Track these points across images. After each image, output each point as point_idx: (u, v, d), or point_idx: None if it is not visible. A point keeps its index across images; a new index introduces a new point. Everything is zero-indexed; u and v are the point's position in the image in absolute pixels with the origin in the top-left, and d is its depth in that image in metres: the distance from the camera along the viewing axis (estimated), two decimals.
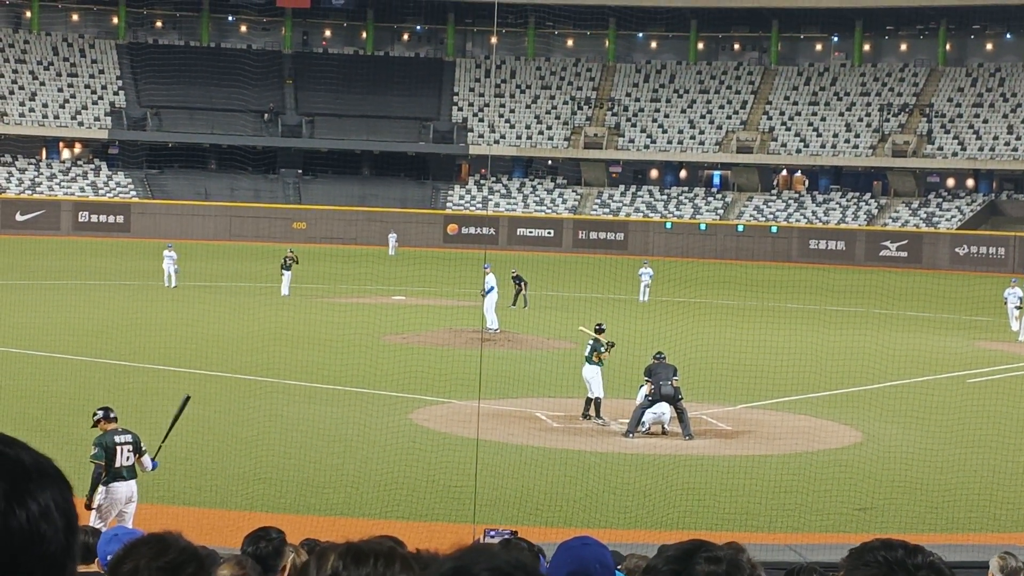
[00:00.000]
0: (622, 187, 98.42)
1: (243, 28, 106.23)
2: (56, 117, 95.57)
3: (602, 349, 28.73)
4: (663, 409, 27.09)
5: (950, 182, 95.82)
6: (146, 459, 17.76)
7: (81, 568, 9.95)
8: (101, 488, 17.34)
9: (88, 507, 17.14)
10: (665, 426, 27.32)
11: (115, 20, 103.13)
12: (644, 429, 27.24)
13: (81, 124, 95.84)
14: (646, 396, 27.00)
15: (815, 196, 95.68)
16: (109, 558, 8.24)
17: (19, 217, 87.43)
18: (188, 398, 18.24)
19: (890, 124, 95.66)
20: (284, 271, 53.64)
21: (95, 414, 17.77)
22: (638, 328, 36.03)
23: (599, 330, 29.32)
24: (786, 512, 21.48)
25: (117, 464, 17.31)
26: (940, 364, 38.64)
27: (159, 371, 33.25)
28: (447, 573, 2.17)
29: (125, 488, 17.43)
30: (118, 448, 17.33)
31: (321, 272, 63.78)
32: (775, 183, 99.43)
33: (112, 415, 17.70)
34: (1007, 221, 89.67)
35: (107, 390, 29.15)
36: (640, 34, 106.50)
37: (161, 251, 57.11)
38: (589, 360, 28.71)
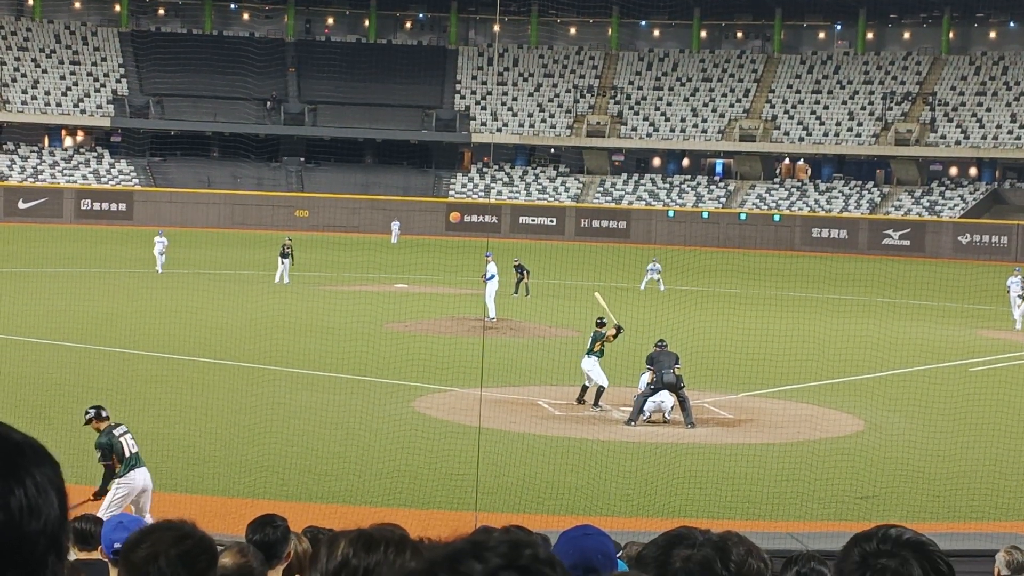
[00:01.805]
0: (624, 175, 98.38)
1: (246, 16, 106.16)
2: (59, 105, 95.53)
3: (604, 335, 28.76)
4: (664, 397, 27.09)
5: (953, 171, 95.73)
6: None
7: (82, 555, 9.96)
8: (116, 481, 17.35)
9: (97, 496, 17.14)
10: (666, 414, 27.32)
11: (117, 8, 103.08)
12: (645, 418, 27.26)
13: (84, 112, 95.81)
14: (648, 384, 27.02)
15: (818, 184, 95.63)
16: (116, 545, 8.25)
17: (22, 205, 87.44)
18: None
19: (893, 112, 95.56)
20: (282, 259, 53.67)
21: (87, 413, 17.73)
22: (640, 316, 35.98)
23: (600, 323, 29.32)
24: (788, 500, 21.50)
25: (127, 454, 17.34)
26: (942, 353, 38.64)
27: (162, 359, 33.27)
28: (464, 547, 2.21)
29: (140, 476, 17.44)
30: (121, 440, 17.35)
31: (324, 260, 63.82)
32: (778, 171, 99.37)
33: (104, 414, 17.65)
34: (1010, 210, 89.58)
35: (109, 378, 29.19)
36: (643, 22, 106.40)
37: (152, 238, 57.29)
38: (589, 352, 28.71)
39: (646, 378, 27.18)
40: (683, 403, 26.99)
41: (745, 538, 3.39)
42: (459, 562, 2.17)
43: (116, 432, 17.40)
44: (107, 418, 17.61)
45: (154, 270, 55.31)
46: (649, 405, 27.19)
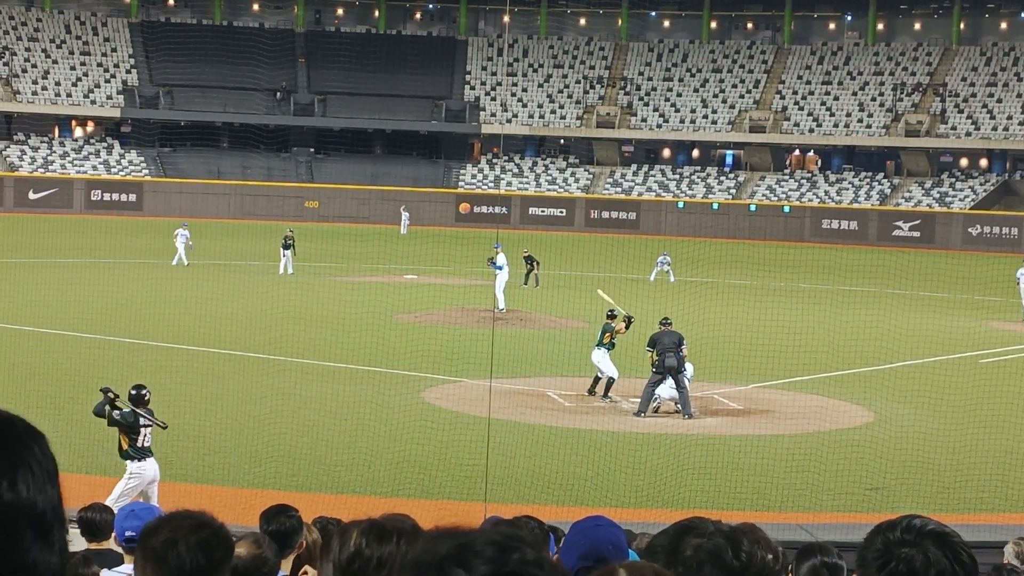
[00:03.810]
0: (634, 166, 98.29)
1: (255, 6, 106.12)
2: (69, 95, 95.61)
3: (613, 327, 28.70)
4: (673, 386, 27.02)
5: (963, 162, 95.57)
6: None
7: (93, 545, 9.99)
8: (128, 471, 17.42)
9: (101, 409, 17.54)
10: (677, 404, 27.24)
11: None
12: (655, 406, 27.21)
13: (94, 102, 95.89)
14: (653, 369, 26.93)
15: (828, 176, 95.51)
16: (128, 533, 8.28)
17: (32, 195, 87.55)
18: (165, 426, 18.19)
19: (903, 103, 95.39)
20: (284, 251, 53.61)
21: (130, 393, 17.77)
22: (650, 308, 35.95)
23: (610, 315, 29.30)
24: (797, 492, 21.49)
25: (140, 444, 17.39)
26: (952, 344, 38.59)
27: (172, 349, 33.31)
28: (450, 552, 2.15)
29: (151, 467, 17.56)
30: (142, 429, 17.42)
31: (333, 251, 63.86)
32: (788, 163, 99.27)
33: (145, 395, 17.69)
34: (1020, 201, 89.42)
35: (119, 368, 29.21)
36: (653, 13, 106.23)
37: (175, 230, 56.92)
38: (599, 343, 28.67)
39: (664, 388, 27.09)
40: (681, 391, 26.88)
41: (758, 529, 3.40)
42: (444, 570, 2.13)
43: (143, 420, 17.48)
44: (147, 401, 17.68)
45: (170, 262, 55.07)
46: (666, 393, 27.10)
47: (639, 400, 27.36)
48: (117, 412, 17.42)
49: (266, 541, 6.51)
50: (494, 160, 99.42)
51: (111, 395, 17.50)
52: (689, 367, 27.43)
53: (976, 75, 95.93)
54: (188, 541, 3.76)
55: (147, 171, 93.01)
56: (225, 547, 3.84)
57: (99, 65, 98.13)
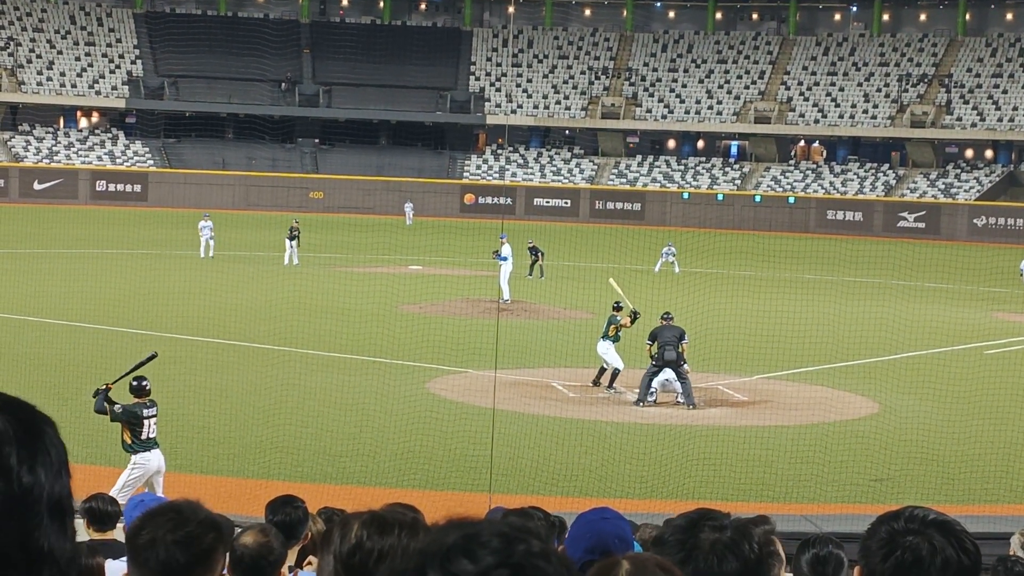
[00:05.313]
0: (639, 157, 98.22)
1: None
2: (73, 86, 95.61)
3: (619, 320, 28.69)
4: (671, 375, 27.03)
5: (969, 153, 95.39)
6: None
7: (96, 536, 10.00)
8: (131, 461, 17.46)
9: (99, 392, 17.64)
10: (678, 396, 27.25)
11: None
12: (653, 399, 27.22)
13: (98, 93, 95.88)
14: (651, 362, 26.96)
15: (833, 167, 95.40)
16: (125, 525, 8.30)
17: (37, 186, 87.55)
18: (155, 355, 18.34)
19: (909, 94, 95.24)
20: (290, 241, 53.63)
21: (131, 384, 17.79)
22: (655, 299, 35.95)
23: (616, 307, 29.29)
24: (802, 482, 21.49)
25: (144, 436, 17.41)
26: (957, 335, 38.54)
27: (176, 340, 33.30)
28: (455, 543, 2.14)
29: (156, 457, 17.58)
30: (145, 421, 17.42)
31: (338, 241, 63.83)
32: (793, 153, 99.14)
33: (145, 385, 17.71)
34: None
35: (124, 359, 29.20)
36: (658, 4, 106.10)
37: (197, 221, 56.91)
38: (605, 335, 28.68)
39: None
40: (683, 382, 26.90)
41: (766, 520, 3.40)
42: (450, 561, 2.10)
43: (145, 412, 17.47)
44: (148, 392, 17.68)
45: (186, 252, 55.08)
46: (656, 382, 27.14)
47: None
48: (119, 407, 17.45)
49: (273, 531, 6.50)
50: (499, 151, 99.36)
51: (105, 387, 17.56)
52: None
53: (982, 66, 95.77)
54: (166, 540, 3.74)
55: (152, 162, 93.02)
56: (213, 536, 3.81)
57: (104, 56, 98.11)
